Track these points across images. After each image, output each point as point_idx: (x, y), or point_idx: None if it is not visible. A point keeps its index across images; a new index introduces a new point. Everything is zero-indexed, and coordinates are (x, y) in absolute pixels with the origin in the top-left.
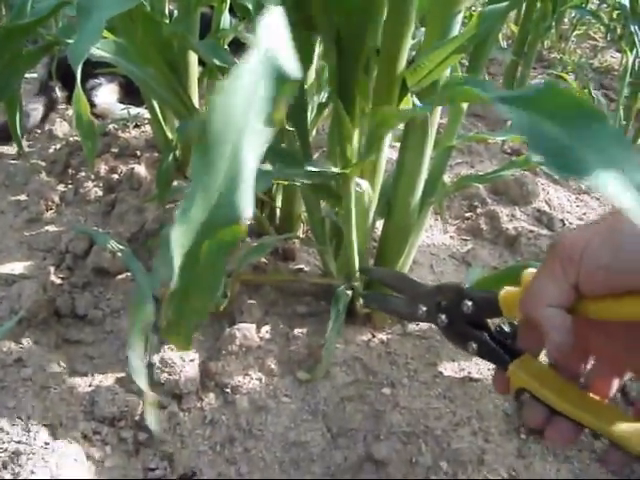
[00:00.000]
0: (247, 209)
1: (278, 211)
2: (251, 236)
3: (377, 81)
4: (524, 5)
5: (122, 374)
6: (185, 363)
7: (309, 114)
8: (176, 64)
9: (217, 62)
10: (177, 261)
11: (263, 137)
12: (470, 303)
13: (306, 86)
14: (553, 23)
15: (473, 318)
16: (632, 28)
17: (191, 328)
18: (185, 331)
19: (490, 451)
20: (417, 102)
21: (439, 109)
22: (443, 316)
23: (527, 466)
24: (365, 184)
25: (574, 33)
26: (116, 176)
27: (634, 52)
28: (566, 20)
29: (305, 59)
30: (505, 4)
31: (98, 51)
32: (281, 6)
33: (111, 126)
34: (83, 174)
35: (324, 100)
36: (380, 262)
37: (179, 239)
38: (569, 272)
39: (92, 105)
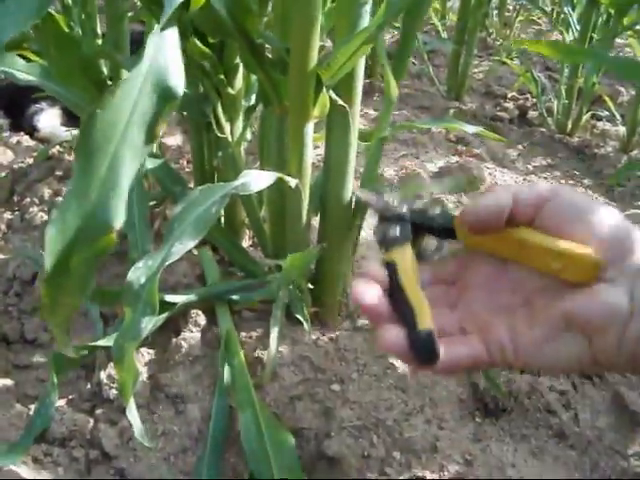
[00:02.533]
0: (119, 220)
1: (222, 218)
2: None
3: (291, 79)
4: None
5: (72, 395)
6: None
7: (240, 119)
8: (103, 83)
9: None
10: (49, 260)
11: (142, 151)
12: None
13: (234, 92)
14: (495, 11)
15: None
16: (566, 10)
17: (64, 319)
18: (60, 319)
19: (444, 437)
20: (334, 96)
21: (358, 98)
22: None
23: (483, 449)
24: (294, 182)
25: (517, 19)
26: (61, 199)
27: (570, 33)
28: (510, 7)
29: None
30: None
31: (24, 75)
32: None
33: (55, 149)
34: (28, 200)
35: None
36: (321, 260)
37: (53, 240)
38: None
39: (35, 130)
